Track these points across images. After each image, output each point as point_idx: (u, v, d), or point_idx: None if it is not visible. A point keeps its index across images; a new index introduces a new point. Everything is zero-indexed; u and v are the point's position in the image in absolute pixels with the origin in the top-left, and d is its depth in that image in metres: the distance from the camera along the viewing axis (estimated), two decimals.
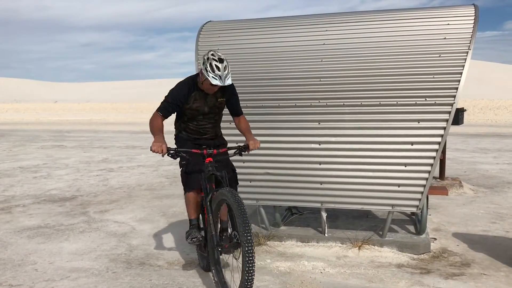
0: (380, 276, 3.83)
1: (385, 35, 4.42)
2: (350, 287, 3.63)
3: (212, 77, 3.32)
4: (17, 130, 22.98)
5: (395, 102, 4.27)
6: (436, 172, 7.29)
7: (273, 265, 4.07)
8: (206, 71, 3.34)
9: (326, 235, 4.59)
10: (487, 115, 31.73)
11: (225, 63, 3.37)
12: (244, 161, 4.50)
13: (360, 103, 4.35)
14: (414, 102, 4.22)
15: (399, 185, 4.28)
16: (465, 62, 4.13)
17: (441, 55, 4.20)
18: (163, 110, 3.55)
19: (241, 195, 4.70)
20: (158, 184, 8.09)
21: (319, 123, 4.46)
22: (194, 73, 4.11)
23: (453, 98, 4.11)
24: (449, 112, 4.12)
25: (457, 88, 4.11)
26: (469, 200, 6.59)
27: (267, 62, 4.67)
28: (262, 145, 3.67)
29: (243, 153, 3.59)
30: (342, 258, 4.25)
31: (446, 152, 7.49)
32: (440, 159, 7.00)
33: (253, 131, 3.78)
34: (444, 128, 4.14)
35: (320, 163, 4.46)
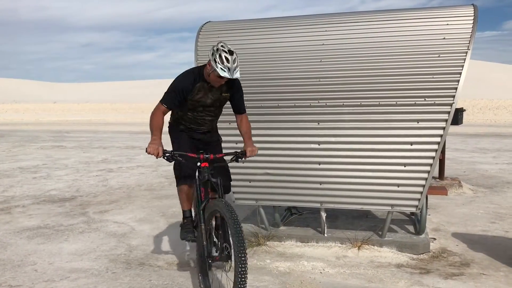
0: (379, 276, 3.83)
1: (384, 35, 4.42)
2: (350, 287, 3.63)
3: (221, 68, 3.19)
4: (17, 131, 22.97)
5: (395, 102, 4.27)
6: (436, 172, 7.30)
7: (272, 265, 4.07)
8: (215, 62, 3.21)
9: (325, 235, 4.59)
10: (486, 115, 31.75)
11: (234, 55, 3.25)
12: (243, 161, 4.50)
13: (359, 103, 4.35)
14: (414, 102, 4.23)
15: (398, 185, 4.28)
16: (464, 62, 4.13)
17: (441, 55, 4.21)
18: (168, 102, 3.43)
19: (241, 196, 4.74)
20: (158, 184, 8.09)
21: (318, 123, 4.46)
22: None
23: (452, 98, 4.12)
24: (449, 112, 4.12)
25: (456, 88, 4.11)
26: (468, 200, 6.59)
27: (267, 62, 4.67)
28: (261, 145, 3.66)
29: (239, 159, 3.51)
30: (342, 258, 4.25)
31: (446, 152, 7.49)
32: (440, 159, 7.00)
33: (253, 131, 3.75)
34: (444, 128, 4.14)
35: (319, 163, 4.46)
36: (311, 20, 4.78)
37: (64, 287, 3.66)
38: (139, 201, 6.77)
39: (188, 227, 3.68)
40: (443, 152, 6.88)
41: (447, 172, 8.04)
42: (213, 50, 3.26)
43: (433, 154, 4.18)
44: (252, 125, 3.78)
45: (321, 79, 4.47)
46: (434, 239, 4.75)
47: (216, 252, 3.29)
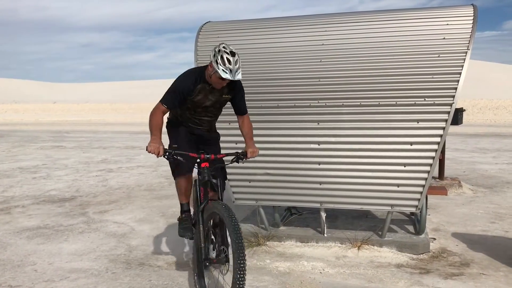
0: (379, 276, 3.83)
1: (384, 35, 4.42)
2: (350, 287, 3.63)
3: (222, 70, 3.16)
4: (17, 131, 22.96)
5: (394, 102, 4.27)
6: (436, 172, 7.30)
7: (272, 266, 4.07)
8: (217, 63, 3.17)
9: (325, 235, 4.59)
10: (486, 115, 31.75)
11: (236, 57, 3.21)
12: (243, 162, 4.50)
13: (359, 103, 4.35)
14: (413, 102, 4.23)
15: (398, 185, 4.28)
16: (464, 62, 4.13)
17: (440, 55, 4.21)
18: (168, 102, 3.38)
19: (240, 196, 4.74)
20: (157, 184, 8.09)
21: (318, 123, 4.46)
22: None
23: (452, 98, 4.12)
24: (448, 112, 4.13)
25: (456, 88, 4.11)
26: (468, 200, 6.59)
27: (267, 63, 4.67)
28: (261, 145, 3.64)
29: (240, 161, 3.48)
30: (342, 258, 4.25)
31: (445, 152, 7.49)
32: (439, 159, 7.00)
33: (252, 131, 3.74)
34: (443, 128, 4.15)
35: (319, 163, 4.46)
36: (311, 20, 4.78)
37: (64, 287, 3.66)
38: (139, 201, 6.77)
39: (186, 224, 3.67)
40: (443, 152, 6.89)
41: (447, 172, 8.04)
42: (215, 51, 3.22)
43: (433, 154, 4.18)
44: (252, 125, 3.77)
45: (321, 79, 4.47)
46: (434, 239, 4.75)
47: (214, 250, 3.29)
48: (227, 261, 3.07)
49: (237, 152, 3.46)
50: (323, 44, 4.56)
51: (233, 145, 4.45)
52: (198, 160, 3.41)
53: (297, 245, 4.57)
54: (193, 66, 4.90)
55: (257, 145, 3.60)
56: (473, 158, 10.82)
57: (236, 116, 3.67)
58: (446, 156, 8.42)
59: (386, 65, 4.33)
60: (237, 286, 2.83)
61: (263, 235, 4.64)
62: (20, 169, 9.97)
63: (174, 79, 3.52)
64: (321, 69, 4.49)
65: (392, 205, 4.34)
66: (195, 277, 3.42)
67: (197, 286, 3.39)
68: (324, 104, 4.44)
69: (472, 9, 4.36)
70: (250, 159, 3.54)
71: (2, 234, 5.12)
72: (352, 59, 4.42)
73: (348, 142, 4.39)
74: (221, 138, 3.91)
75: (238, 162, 3.50)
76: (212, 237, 3.38)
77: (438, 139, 4.16)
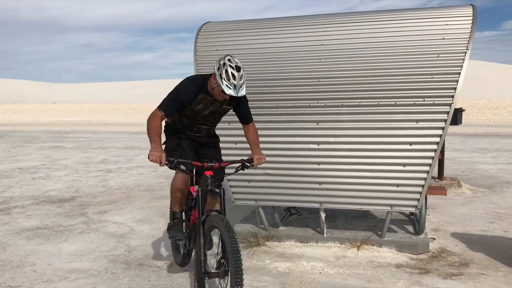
0: (379, 276, 3.83)
1: (384, 35, 4.42)
2: (349, 287, 3.63)
3: (226, 85, 3.04)
4: (16, 131, 22.95)
5: (394, 103, 4.28)
6: (435, 172, 7.30)
7: (272, 266, 4.07)
8: (221, 77, 3.05)
9: (325, 235, 4.59)
10: (485, 115, 31.76)
11: (241, 71, 3.07)
12: (250, 169, 4.50)
13: (358, 103, 4.35)
14: (413, 102, 4.23)
15: (397, 185, 4.28)
16: (463, 62, 4.13)
17: (440, 55, 4.21)
18: (167, 109, 3.28)
19: (240, 196, 4.73)
20: (157, 184, 8.09)
21: (317, 124, 4.47)
22: (193, 73, 4.08)
23: (451, 98, 4.12)
24: (448, 112, 4.13)
25: (455, 88, 4.12)
26: (467, 200, 6.59)
27: (266, 63, 4.67)
28: (261, 145, 3.62)
29: (246, 168, 3.37)
30: (341, 258, 4.25)
31: (445, 152, 7.51)
32: (439, 159, 7.01)
33: None
34: (443, 128, 4.15)
35: (318, 163, 4.46)
36: (310, 20, 4.78)
37: (64, 287, 3.66)
38: (139, 201, 6.77)
39: (178, 227, 3.57)
40: (442, 152, 6.90)
41: (446, 172, 8.04)
42: (219, 64, 3.10)
43: (432, 154, 4.18)
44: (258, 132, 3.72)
45: (320, 80, 4.47)
46: (434, 239, 4.75)
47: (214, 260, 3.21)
48: (227, 275, 2.96)
49: (242, 159, 3.36)
50: (322, 44, 4.57)
51: (233, 145, 4.45)
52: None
53: (297, 245, 4.57)
54: (192, 66, 4.92)
55: None
56: (473, 158, 10.83)
57: (235, 116, 3.62)
58: (445, 156, 8.43)
59: (385, 65, 4.33)
60: None
61: (263, 235, 4.64)
62: (19, 170, 9.97)
63: (174, 79, 3.54)
64: (320, 69, 4.49)
65: (391, 205, 4.34)
66: (196, 285, 3.38)
67: None
68: (324, 104, 4.44)
69: (472, 9, 4.36)
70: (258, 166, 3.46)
71: (1, 234, 5.12)
72: (351, 59, 4.42)
73: (348, 142, 4.39)
74: (221, 138, 3.90)
75: (243, 170, 3.39)
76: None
77: (437, 139, 4.17)
